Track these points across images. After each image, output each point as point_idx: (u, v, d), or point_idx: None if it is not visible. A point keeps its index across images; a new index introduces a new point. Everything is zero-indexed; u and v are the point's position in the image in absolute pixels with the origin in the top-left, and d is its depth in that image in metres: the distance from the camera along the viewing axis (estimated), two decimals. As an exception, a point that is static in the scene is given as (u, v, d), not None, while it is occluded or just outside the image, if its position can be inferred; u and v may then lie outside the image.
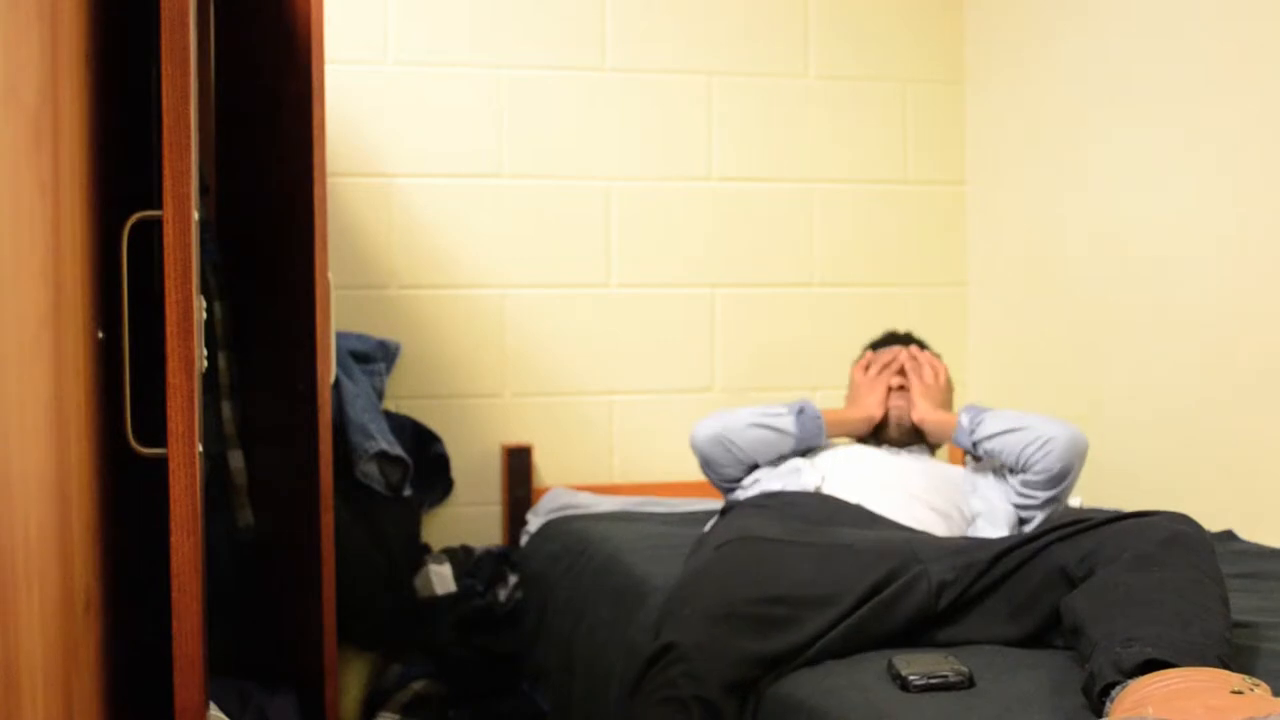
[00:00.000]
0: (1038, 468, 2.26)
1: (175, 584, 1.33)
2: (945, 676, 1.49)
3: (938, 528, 2.21)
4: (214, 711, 1.66)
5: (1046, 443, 2.26)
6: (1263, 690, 1.26)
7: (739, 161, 3.15)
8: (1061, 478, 2.27)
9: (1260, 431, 2.40)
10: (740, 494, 2.44)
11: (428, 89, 3.01)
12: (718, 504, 2.89)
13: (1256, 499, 2.40)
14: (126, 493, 1.53)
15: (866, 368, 2.65)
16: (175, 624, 1.34)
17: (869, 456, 2.42)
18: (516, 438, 3.05)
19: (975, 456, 2.43)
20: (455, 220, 3.03)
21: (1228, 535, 2.34)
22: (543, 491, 2.99)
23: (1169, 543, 1.55)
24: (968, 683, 1.49)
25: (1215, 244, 2.50)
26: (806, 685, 1.57)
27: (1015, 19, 3.11)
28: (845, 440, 2.61)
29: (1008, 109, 3.13)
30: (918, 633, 1.72)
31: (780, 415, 2.48)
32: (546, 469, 3.07)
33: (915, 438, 2.58)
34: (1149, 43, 2.66)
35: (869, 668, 1.60)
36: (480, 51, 3.04)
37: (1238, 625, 1.66)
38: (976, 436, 2.38)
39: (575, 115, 3.08)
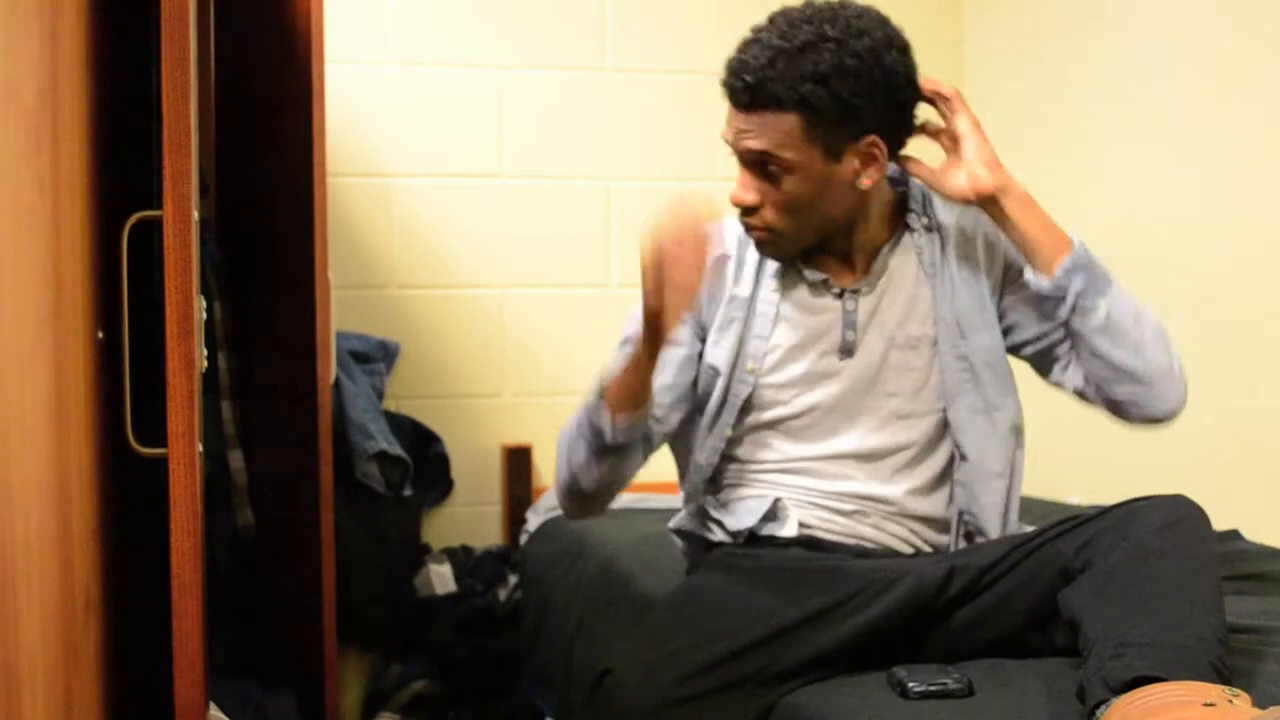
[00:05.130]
0: (1123, 414, 1.80)
1: (175, 584, 1.33)
2: (945, 684, 1.49)
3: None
4: (214, 711, 1.66)
5: (1146, 401, 1.78)
6: (1242, 701, 1.26)
7: (739, 161, 3.15)
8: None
9: (1266, 429, 2.40)
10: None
11: (427, 89, 3.01)
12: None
13: (1263, 498, 2.39)
14: (127, 493, 1.53)
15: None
16: (175, 624, 1.34)
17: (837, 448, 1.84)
18: (516, 438, 3.05)
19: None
20: (455, 220, 3.03)
21: (1233, 535, 2.31)
22: (542, 491, 2.99)
23: (1166, 530, 1.54)
24: (967, 691, 1.50)
25: (1217, 242, 2.50)
26: (807, 694, 1.58)
27: (1015, 21, 3.11)
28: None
29: (1007, 111, 3.12)
30: (912, 628, 1.66)
31: (598, 431, 1.76)
32: (546, 469, 3.06)
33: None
34: (1148, 45, 2.66)
35: (870, 679, 1.60)
36: (480, 51, 3.03)
37: (1240, 630, 1.65)
38: (1081, 315, 1.72)
39: (575, 115, 3.08)
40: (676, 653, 1.56)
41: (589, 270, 3.09)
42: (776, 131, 1.71)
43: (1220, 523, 2.35)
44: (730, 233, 1.92)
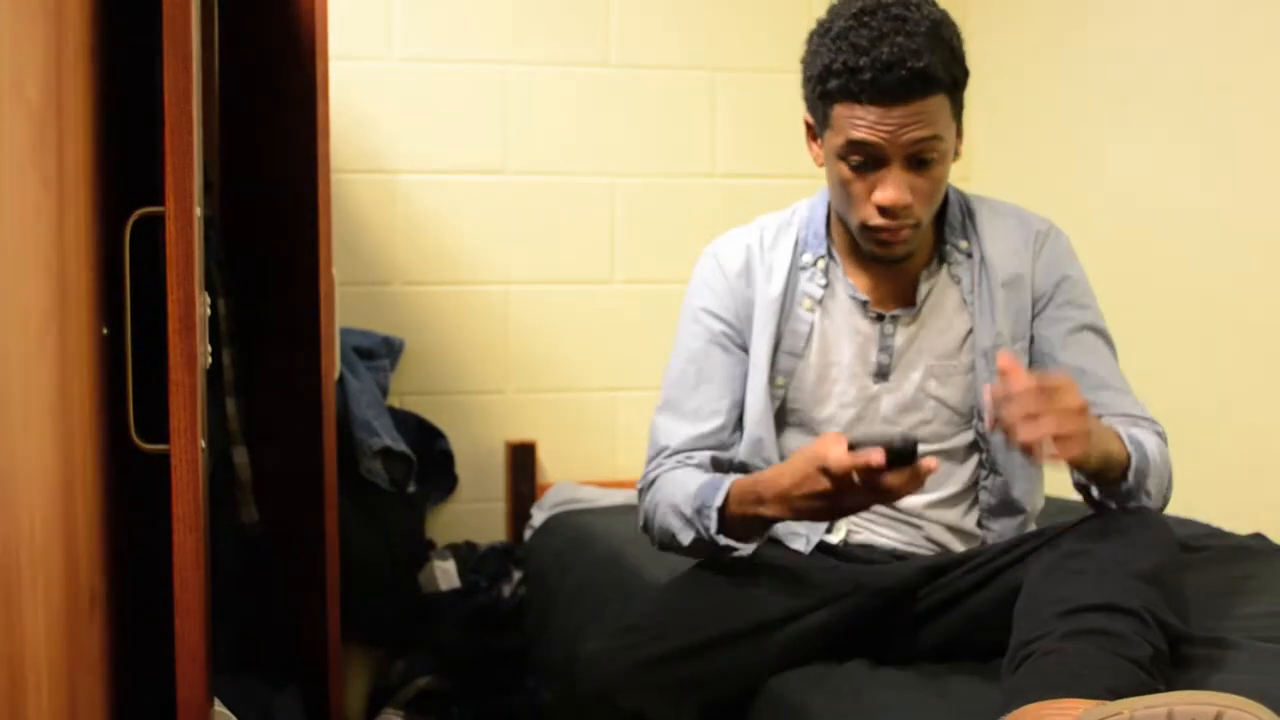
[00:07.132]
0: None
1: (178, 580, 1.34)
2: (891, 441, 1.50)
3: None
4: (218, 708, 1.66)
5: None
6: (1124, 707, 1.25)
7: (742, 157, 3.14)
8: None
9: (1272, 428, 2.39)
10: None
11: (432, 85, 3.01)
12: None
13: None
14: (131, 489, 1.53)
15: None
16: (179, 620, 1.34)
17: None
18: (520, 434, 3.05)
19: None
20: (459, 216, 3.03)
21: (1257, 537, 2.26)
22: (546, 487, 3.00)
23: (1100, 534, 1.55)
24: (910, 451, 1.50)
25: (1225, 241, 2.49)
26: (789, 675, 1.63)
27: (1019, 21, 3.10)
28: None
29: (1012, 110, 3.12)
30: (886, 630, 1.69)
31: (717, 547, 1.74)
32: (550, 465, 3.07)
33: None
34: (1153, 44, 2.65)
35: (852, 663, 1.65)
36: (484, 48, 3.03)
37: (1257, 638, 1.64)
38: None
39: (579, 111, 3.08)
40: (636, 629, 1.64)
41: (593, 266, 3.09)
42: (937, 115, 1.70)
43: (1243, 525, 2.34)
44: (743, 241, 1.94)
